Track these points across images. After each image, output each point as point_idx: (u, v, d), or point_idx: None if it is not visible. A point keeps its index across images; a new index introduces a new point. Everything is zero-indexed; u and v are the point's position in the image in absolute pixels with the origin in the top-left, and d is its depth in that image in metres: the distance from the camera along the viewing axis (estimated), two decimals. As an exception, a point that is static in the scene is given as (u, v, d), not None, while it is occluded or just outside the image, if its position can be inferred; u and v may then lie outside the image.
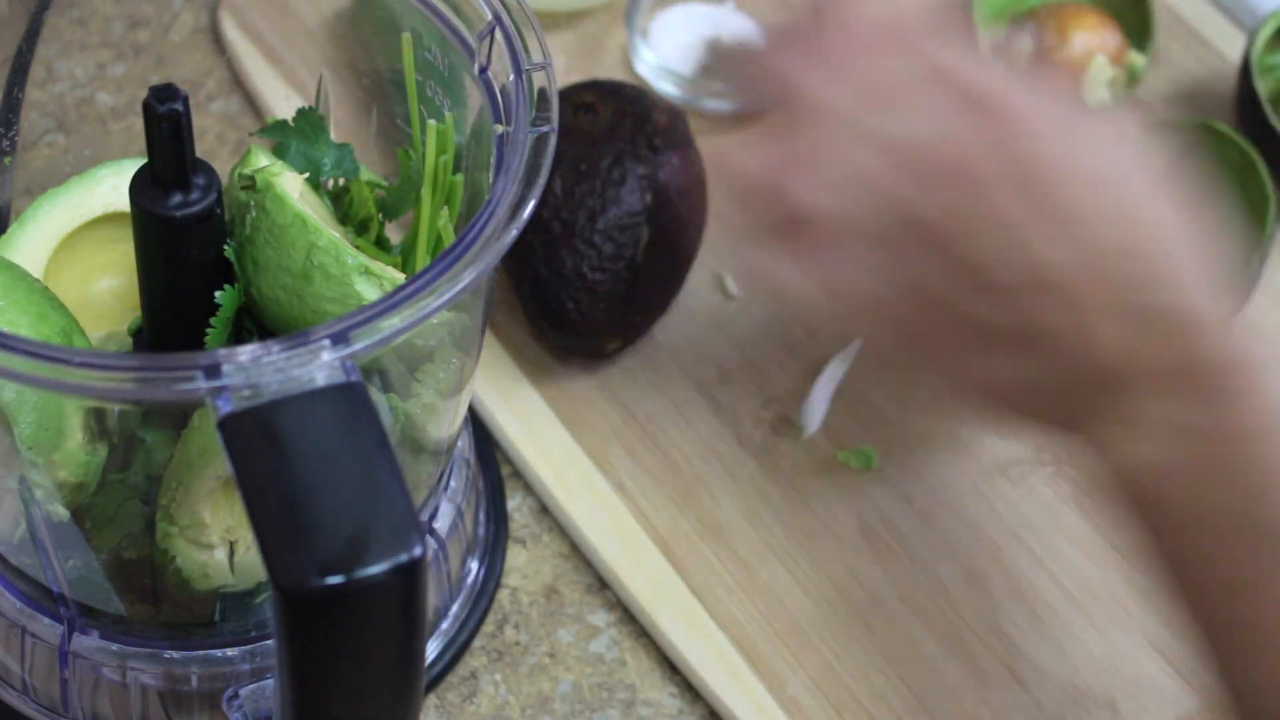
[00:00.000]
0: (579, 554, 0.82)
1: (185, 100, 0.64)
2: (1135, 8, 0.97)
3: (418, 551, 0.55)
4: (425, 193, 0.72)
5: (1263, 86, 0.93)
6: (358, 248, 0.72)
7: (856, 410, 0.86)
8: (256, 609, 0.72)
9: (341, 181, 0.75)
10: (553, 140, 0.65)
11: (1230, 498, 0.57)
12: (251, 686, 0.72)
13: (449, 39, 0.70)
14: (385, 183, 0.75)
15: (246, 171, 0.69)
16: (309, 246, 0.67)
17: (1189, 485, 0.58)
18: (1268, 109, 0.93)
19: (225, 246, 0.68)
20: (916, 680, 0.79)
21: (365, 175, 0.75)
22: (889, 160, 0.61)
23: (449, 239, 0.70)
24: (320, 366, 0.57)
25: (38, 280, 0.70)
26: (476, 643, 0.80)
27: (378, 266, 0.67)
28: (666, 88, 0.96)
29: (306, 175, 0.72)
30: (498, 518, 0.82)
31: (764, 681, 0.78)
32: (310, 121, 0.73)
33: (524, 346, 0.87)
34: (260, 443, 0.56)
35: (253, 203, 0.68)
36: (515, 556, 0.82)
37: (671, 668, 0.79)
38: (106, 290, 0.74)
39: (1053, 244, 0.59)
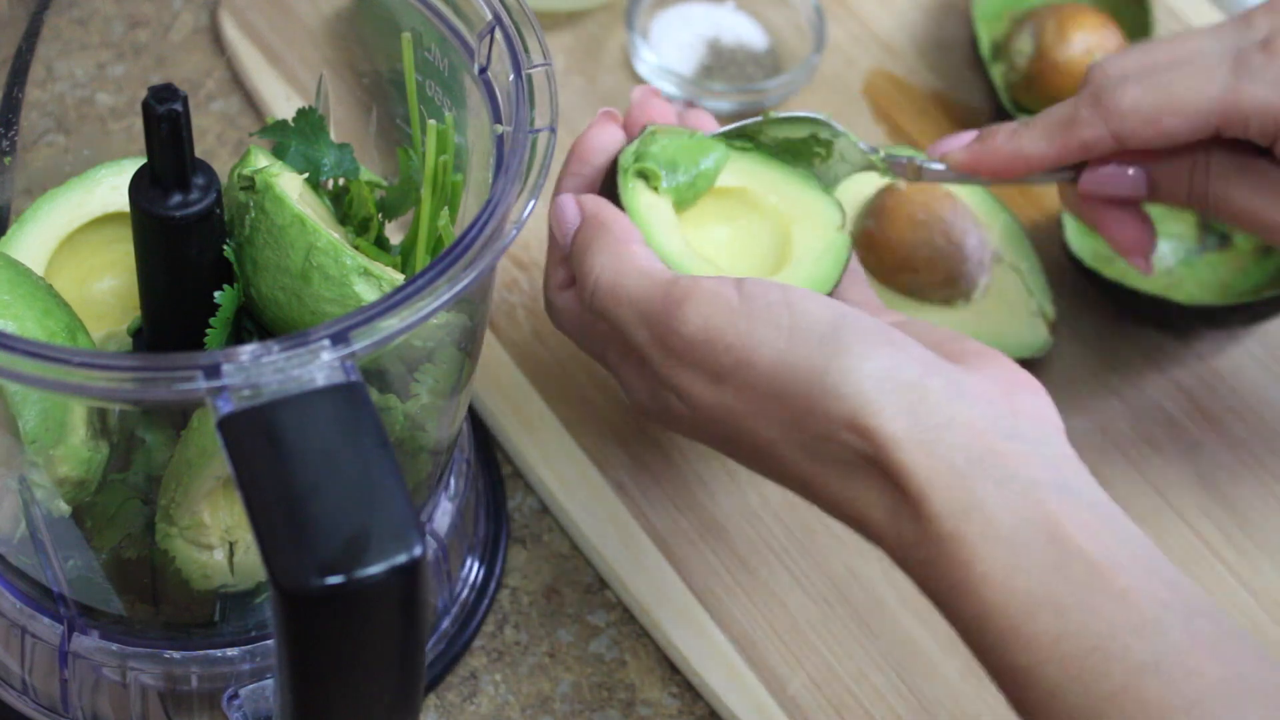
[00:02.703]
0: (579, 554, 0.82)
1: (184, 100, 0.64)
2: (1135, 8, 0.97)
3: (418, 551, 0.55)
4: (425, 193, 0.72)
5: (1263, 86, 0.93)
6: (357, 248, 0.72)
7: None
8: (256, 609, 0.72)
9: (341, 181, 0.75)
10: (552, 140, 0.65)
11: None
12: (251, 686, 0.72)
13: (449, 39, 0.70)
14: (385, 183, 0.75)
15: (246, 172, 0.69)
16: (308, 247, 0.67)
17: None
18: (1268, 109, 0.93)
19: (225, 246, 0.68)
20: (916, 680, 0.79)
21: (365, 175, 0.75)
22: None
23: (449, 239, 0.70)
24: (320, 366, 0.57)
25: (41, 278, 0.70)
26: (476, 643, 0.80)
27: (377, 267, 0.67)
28: (666, 88, 0.96)
29: (306, 175, 0.72)
30: (498, 518, 0.82)
31: (764, 681, 0.78)
32: (310, 121, 0.73)
33: (524, 347, 0.87)
34: (260, 443, 0.56)
35: (252, 203, 0.68)
36: (515, 556, 0.82)
37: (671, 668, 0.79)
38: (106, 290, 0.74)
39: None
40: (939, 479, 0.62)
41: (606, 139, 0.76)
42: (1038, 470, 0.62)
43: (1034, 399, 0.66)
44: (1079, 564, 0.60)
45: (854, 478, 0.64)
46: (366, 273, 0.67)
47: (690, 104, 0.80)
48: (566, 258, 0.73)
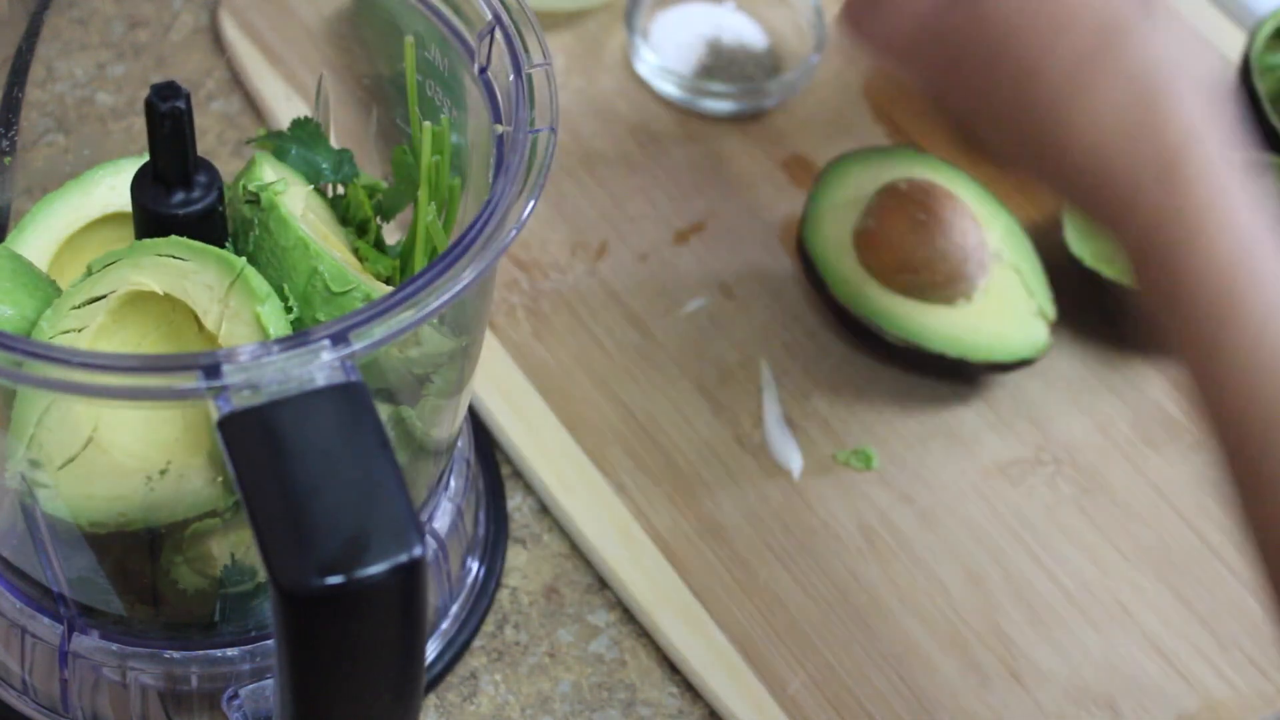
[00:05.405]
0: (579, 554, 0.82)
1: (188, 98, 0.64)
2: (1135, 8, 0.97)
3: (418, 551, 0.55)
4: (422, 196, 0.71)
5: (1263, 86, 0.93)
6: (356, 250, 0.72)
7: (856, 410, 0.86)
8: (256, 609, 0.72)
9: (340, 187, 0.75)
10: (552, 140, 0.65)
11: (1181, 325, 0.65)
12: (251, 686, 0.72)
13: (449, 39, 0.70)
14: (384, 185, 0.75)
15: (251, 186, 0.68)
16: (310, 271, 0.67)
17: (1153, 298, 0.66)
18: (1268, 109, 0.93)
19: (225, 245, 0.68)
20: (916, 680, 0.79)
21: (363, 179, 0.75)
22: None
23: (437, 235, 0.70)
24: (320, 366, 0.57)
25: (44, 273, 0.70)
26: (476, 643, 0.80)
27: (379, 290, 0.67)
28: (666, 88, 0.96)
29: (313, 187, 0.72)
30: (498, 518, 0.82)
31: (764, 681, 0.78)
32: (307, 131, 0.73)
33: (524, 347, 0.87)
34: (260, 443, 0.56)
35: (256, 220, 0.68)
36: (515, 556, 0.82)
37: (671, 668, 0.79)
38: (107, 290, 0.74)
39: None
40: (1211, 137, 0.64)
41: None
42: None
43: None
44: None
45: (1123, 128, 0.65)
46: (369, 298, 0.67)
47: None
48: None
